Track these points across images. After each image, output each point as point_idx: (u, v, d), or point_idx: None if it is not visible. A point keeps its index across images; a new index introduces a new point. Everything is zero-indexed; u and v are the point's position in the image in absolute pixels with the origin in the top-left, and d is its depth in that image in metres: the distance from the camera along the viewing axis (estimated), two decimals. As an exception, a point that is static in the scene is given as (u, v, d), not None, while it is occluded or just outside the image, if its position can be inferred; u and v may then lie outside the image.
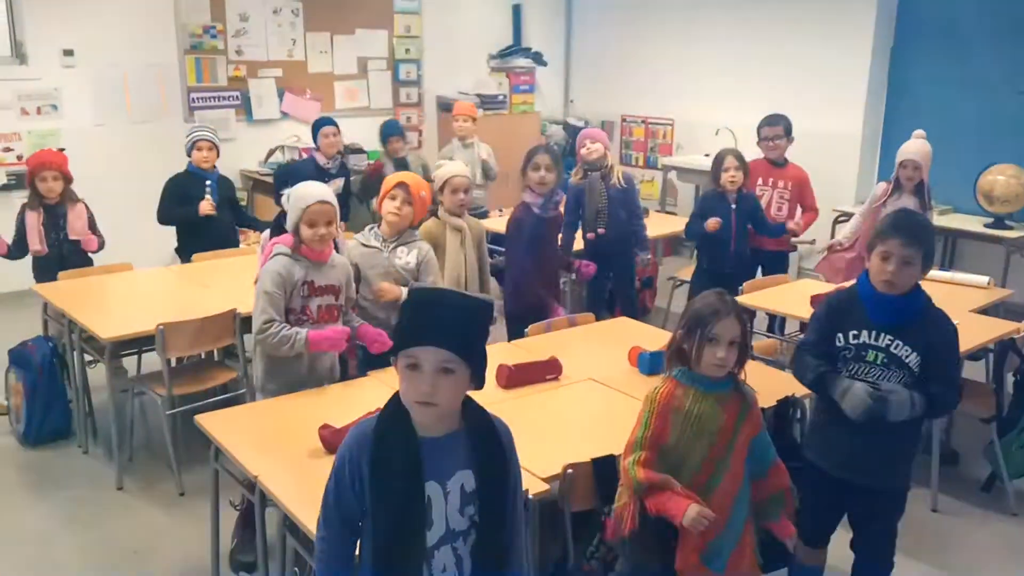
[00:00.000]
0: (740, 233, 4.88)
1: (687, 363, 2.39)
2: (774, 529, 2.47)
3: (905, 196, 4.78)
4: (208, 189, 4.98)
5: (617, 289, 5.12)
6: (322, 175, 5.58)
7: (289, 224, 3.20)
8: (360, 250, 3.65)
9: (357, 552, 1.88)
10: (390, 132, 6.32)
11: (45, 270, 4.57)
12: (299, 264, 3.18)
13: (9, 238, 4.60)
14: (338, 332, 3.19)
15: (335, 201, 3.23)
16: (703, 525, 2.24)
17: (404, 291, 3.58)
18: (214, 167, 5.06)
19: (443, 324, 1.72)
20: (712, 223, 4.78)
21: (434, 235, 4.11)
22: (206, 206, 4.90)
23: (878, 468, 2.69)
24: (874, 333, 2.64)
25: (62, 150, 4.75)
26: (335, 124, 5.90)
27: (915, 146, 4.79)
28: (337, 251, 3.39)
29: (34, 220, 4.56)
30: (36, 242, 4.55)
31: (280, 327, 3.12)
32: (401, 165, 6.15)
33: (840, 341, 2.68)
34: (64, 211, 4.63)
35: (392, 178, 3.73)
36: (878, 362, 2.63)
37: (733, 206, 4.85)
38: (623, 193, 4.94)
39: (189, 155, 5.04)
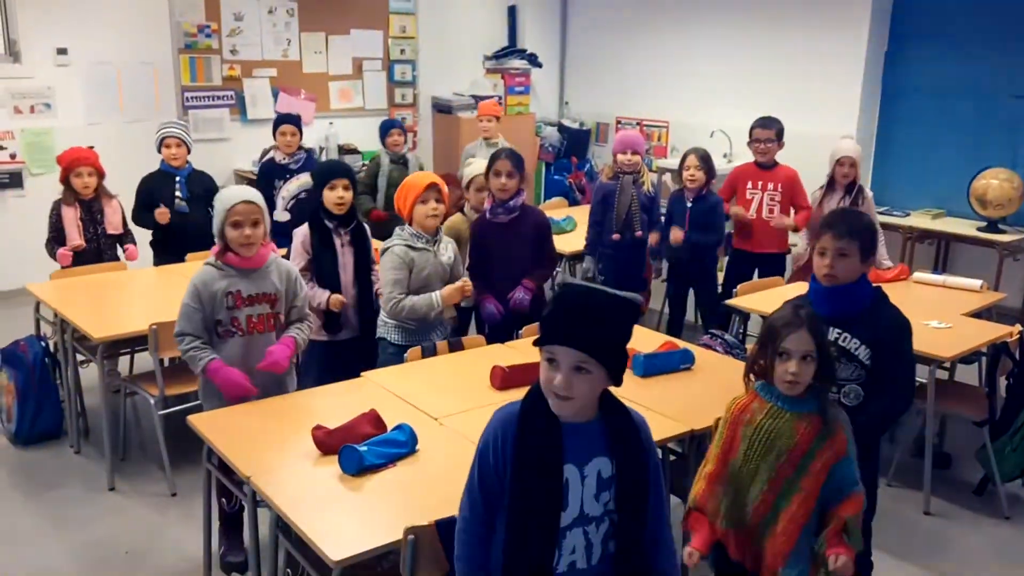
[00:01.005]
0: (693, 229, 4.93)
1: (766, 378, 2.35)
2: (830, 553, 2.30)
3: (838, 193, 4.97)
4: (177, 186, 4.97)
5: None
6: (282, 172, 5.56)
7: (215, 229, 3.13)
8: (412, 253, 3.65)
9: None
10: (390, 125, 6.28)
11: (81, 265, 4.57)
12: (222, 273, 3.11)
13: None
14: (235, 382, 3.05)
15: (261, 202, 3.15)
16: (691, 562, 2.27)
17: (437, 295, 3.66)
18: (186, 163, 5.04)
19: (582, 327, 1.75)
20: (675, 236, 4.87)
21: (459, 230, 4.26)
22: (161, 215, 4.84)
23: None
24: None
25: (91, 148, 4.76)
26: (294, 123, 5.71)
27: (850, 144, 5.04)
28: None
29: (72, 215, 4.59)
30: (76, 236, 4.58)
31: (190, 343, 3.08)
32: (400, 160, 6.14)
33: None
34: (100, 206, 4.68)
35: (418, 182, 3.70)
36: None
37: (689, 205, 4.95)
38: (651, 200, 4.99)
39: (159, 152, 5.03)
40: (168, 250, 4.96)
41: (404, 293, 3.63)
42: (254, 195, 3.15)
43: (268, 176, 5.61)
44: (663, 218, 5.14)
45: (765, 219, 5.22)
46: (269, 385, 3.16)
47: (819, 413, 2.31)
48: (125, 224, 4.80)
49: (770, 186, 5.22)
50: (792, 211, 5.22)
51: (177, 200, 4.97)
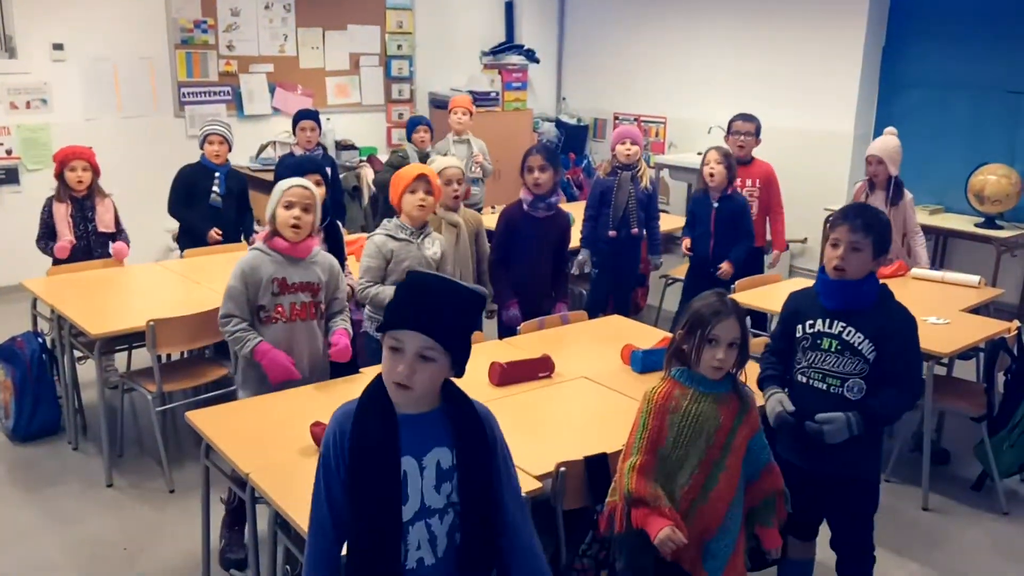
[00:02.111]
0: (720, 234, 4.81)
1: (687, 363, 2.40)
2: (762, 536, 2.48)
3: (879, 191, 4.84)
4: (216, 182, 5.00)
5: (616, 290, 5.10)
6: None
7: (268, 211, 3.18)
8: (393, 244, 3.66)
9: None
10: (417, 122, 6.24)
11: (71, 262, 4.56)
12: (270, 259, 3.15)
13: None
14: (283, 365, 3.09)
15: (315, 191, 3.23)
16: (670, 547, 2.26)
17: None
18: (226, 161, 5.08)
19: (428, 311, 1.74)
20: (725, 272, 4.78)
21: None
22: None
23: (841, 458, 2.70)
24: (828, 321, 2.71)
25: (89, 148, 4.76)
26: (315, 119, 5.78)
27: (880, 142, 4.86)
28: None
29: (63, 212, 4.58)
30: (66, 233, 4.56)
31: (237, 325, 3.12)
32: (424, 158, 6.12)
33: (799, 332, 2.78)
34: (92, 204, 4.65)
35: (407, 173, 3.71)
36: (832, 349, 2.70)
37: (715, 205, 4.81)
38: (648, 196, 4.97)
39: (201, 148, 5.07)
40: (196, 244, 4.97)
41: (373, 281, 3.64)
42: (311, 184, 3.23)
43: (287, 171, 5.56)
44: (686, 221, 5.07)
45: None
46: (312, 371, 3.24)
47: (735, 392, 2.40)
48: (118, 223, 4.76)
49: (748, 182, 5.21)
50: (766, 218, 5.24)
51: (213, 195, 5.00)
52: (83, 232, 4.64)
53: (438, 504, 1.82)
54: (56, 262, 4.57)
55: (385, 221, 3.75)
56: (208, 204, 4.99)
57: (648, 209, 4.98)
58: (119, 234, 4.79)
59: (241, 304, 3.13)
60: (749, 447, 2.42)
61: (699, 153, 7.47)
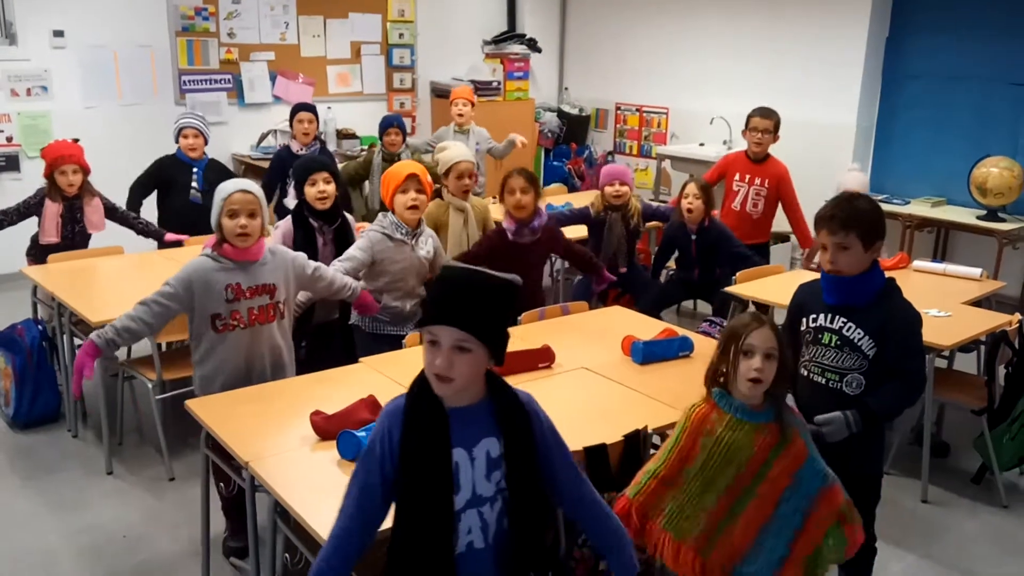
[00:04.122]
0: (703, 263, 4.86)
1: (724, 386, 2.34)
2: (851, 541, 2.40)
3: None
4: (194, 177, 4.95)
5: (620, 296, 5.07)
6: (295, 160, 5.52)
7: (212, 219, 3.10)
8: (387, 244, 3.64)
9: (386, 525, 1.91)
10: (389, 123, 5.87)
11: (46, 257, 4.54)
12: (220, 266, 3.08)
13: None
14: (79, 364, 2.98)
15: (260, 193, 3.12)
16: None
17: None
18: (203, 155, 5.00)
19: (462, 304, 1.77)
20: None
21: (436, 217, 4.19)
22: (171, 238, 4.76)
23: (843, 454, 2.67)
24: (829, 316, 2.71)
25: (76, 140, 4.71)
26: (312, 111, 5.68)
27: (854, 178, 5.02)
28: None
29: (54, 211, 4.54)
30: (52, 232, 4.54)
31: (125, 320, 3.05)
32: (392, 160, 5.98)
33: (804, 325, 2.79)
34: (81, 205, 4.61)
35: (398, 172, 3.68)
36: (832, 344, 2.70)
37: (692, 237, 4.83)
38: (637, 233, 4.99)
39: (176, 141, 5.01)
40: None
41: (347, 270, 3.58)
42: (251, 186, 3.12)
43: (282, 163, 5.53)
44: (661, 246, 5.10)
45: (748, 212, 5.22)
46: (274, 372, 3.20)
47: (776, 422, 2.31)
48: (114, 212, 4.72)
49: (757, 181, 5.20)
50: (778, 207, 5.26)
51: (192, 191, 4.94)
52: (70, 232, 4.61)
53: (488, 492, 1.86)
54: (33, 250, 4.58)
55: (381, 216, 3.73)
56: (188, 200, 4.94)
57: (635, 243, 4.98)
58: (124, 220, 4.74)
59: (158, 310, 3.05)
60: (798, 478, 2.33)
61: (701, 144, 7.50)
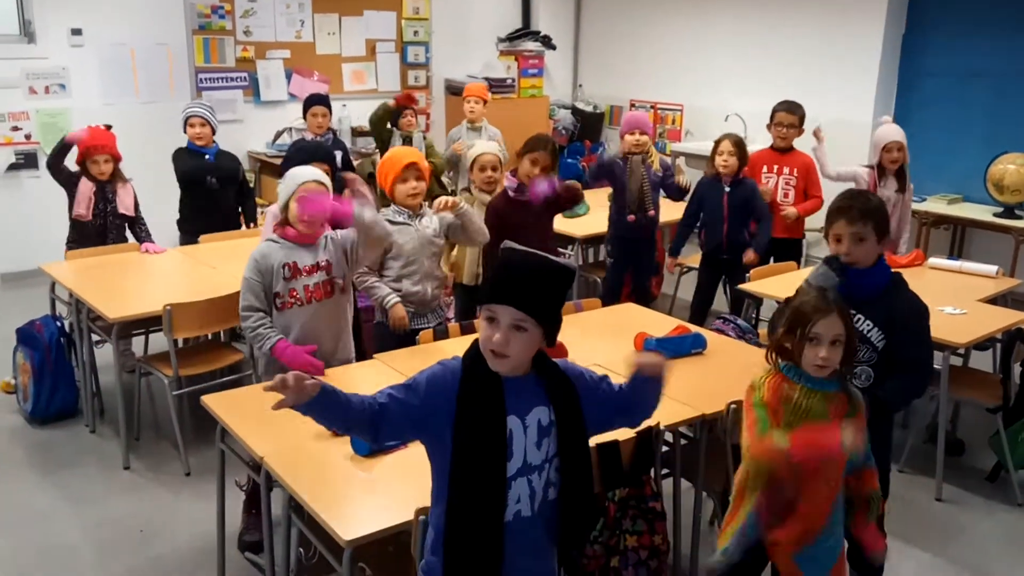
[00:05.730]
0: (733, 218, 4.86)
1: (791, 359, 2.34)
2: (863, 538, 2.42)
3: (891, 180, 4.87)
4: (207, 165, 4.97)
5: (634, 275, 5.10)
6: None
7: (279, 202, 3.19)
8: (391, 228, 3.66)
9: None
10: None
11: (83, 239, 4.62)
12: (279, 246, 3.17)
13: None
14: (303, 359, 3.07)
15: (328, 183, 3.22)
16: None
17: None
18: (212, 143, 5.03)
19: (520, 286, 1.85)
20: (749, 258, 4.79)
21: None
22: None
23: None
24: None
25: (109, 127, 4.77)
26: (326, 104, 5.75)
27: (893, 129, 4.90)
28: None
29: (87, 189, 4.61)
30: (84, 207, 4.60)
31: (258, 322, 3.13)
32: (407, 142, 6.08)
33: None
34: (114, 188, 4.68)
35: (397, 161, 3.70)
36: None
37: (726, 190, 4.85)
38: (661, 180, 4.96)
39: (185, 132, 5.04)
40: (195, 229, 4.96)
41: (368, 269, 3.63)
42: (324, 177, 3.21)
43: (298, 155, 5.55)
44: (689, 205, 5.05)
45: (779, 203, 5.19)
46: (335, 350, 3.28)
47: (843, 392, 2.34)
48: (137, 208, 4.79)
49: (786, 170, 5.18)
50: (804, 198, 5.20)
51: (208, 180, 4.97)
52: (101, 211, 4.67)
53: (538, 460, 1.93)
54: (73, 231, 4.63)
55: (382, 209, 3.76)
56: (205, 187, 4.98)
57: (662, 190, 4.97)
58: (137, 222, 4.80)
59: (259, 294, 3.15)
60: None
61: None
